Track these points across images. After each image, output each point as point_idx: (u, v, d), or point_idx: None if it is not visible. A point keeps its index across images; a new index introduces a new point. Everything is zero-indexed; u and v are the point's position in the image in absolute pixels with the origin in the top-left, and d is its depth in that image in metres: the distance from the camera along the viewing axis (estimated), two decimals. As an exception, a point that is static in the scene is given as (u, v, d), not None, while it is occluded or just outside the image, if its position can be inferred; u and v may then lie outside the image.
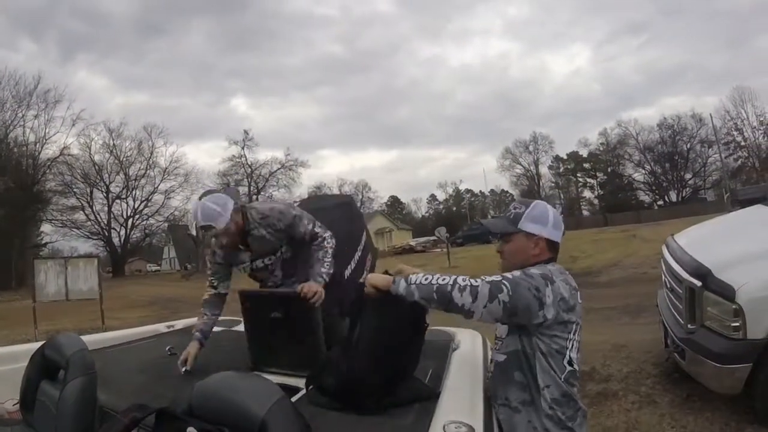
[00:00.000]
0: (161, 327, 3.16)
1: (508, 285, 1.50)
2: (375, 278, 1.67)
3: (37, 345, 1.93)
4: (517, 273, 1.58)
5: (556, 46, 79.63)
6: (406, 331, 1.68)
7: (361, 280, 1.72)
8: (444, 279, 1.54)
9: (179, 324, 3.21)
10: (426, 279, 1.56)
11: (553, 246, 1.72)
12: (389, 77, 71.68)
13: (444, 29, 75.47)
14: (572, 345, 1.59)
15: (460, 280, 1.52)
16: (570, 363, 1.58)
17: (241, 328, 3.06)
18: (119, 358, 2.51)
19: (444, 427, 1.34)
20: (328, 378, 1.72)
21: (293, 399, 1.64)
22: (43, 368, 1.81)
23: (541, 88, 69.63)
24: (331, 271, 2.37)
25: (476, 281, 1.51)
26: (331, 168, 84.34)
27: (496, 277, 1.53)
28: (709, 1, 58.01)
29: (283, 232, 2.43)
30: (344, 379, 1.64)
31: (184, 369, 2.18)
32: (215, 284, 2.52)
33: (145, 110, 61.76)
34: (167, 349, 2.52)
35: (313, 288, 2.17)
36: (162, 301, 16.38)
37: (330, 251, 2.42)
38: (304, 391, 1.79)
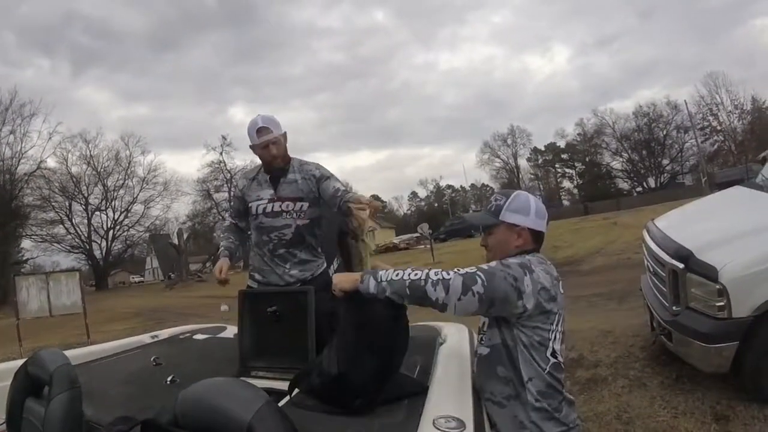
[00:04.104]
0: (145, 338, 3.10)
1: (482, 276, 1.47)
2: (341, 279, 1.64)
3: (21, 362, 1.88)
4: (493, 264, 1.56)
5: (537, 48, 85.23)
6: (385, 325, 1.63)
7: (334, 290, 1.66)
8: (416, 273, 1.51)
9: (164, 334, 3.16)
10: (397, 275, 1.53)
11: (537, 236, 1.70)
12: (384, 82, 77.15)
13: (436, 36, 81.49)
14: (555, 336, 1.56)
15: (432, 273, 1.49)
16: (553, 354, 1.56)
17: (226, 334, 3.04)
18: (104, 371, 2.46)
19: (434, 422, 1.32)
20: (314, 379, 1.70)
21: (280, 403, 1.62)
22: (27, 385, 1.76)
23: (522, 88, 74.85)
24: None
25: (448, 274, 1.49)
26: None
27: (471, 269, 1.51)
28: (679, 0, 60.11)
29: (315, 183, 2.46)
30: (329, 380, 1.62)
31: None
32: (233, 216, 2.67)
33: (144, 122, 64.45)
34: (152, 359, 2.48)
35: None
36: (147, 312, 16.14)
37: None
38: (288, 398, 1.76)
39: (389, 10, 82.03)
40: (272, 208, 2.48)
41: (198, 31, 74.04)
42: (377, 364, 1.61)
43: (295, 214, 2.47)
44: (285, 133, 2.48)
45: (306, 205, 2.48)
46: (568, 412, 1.59)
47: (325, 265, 2.62)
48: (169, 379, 2.12)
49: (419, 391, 1.63)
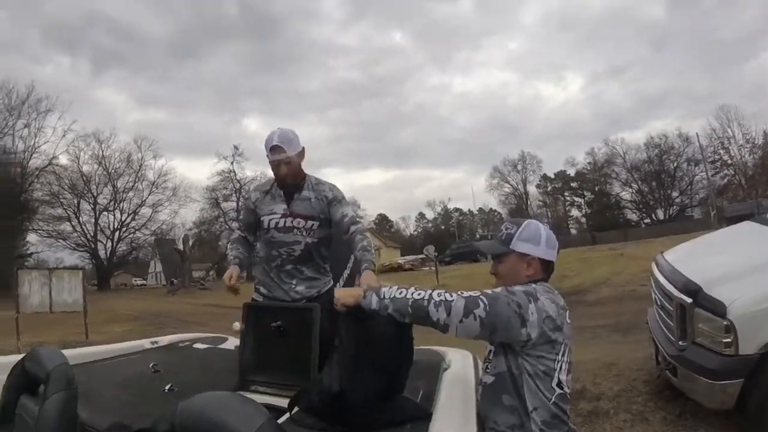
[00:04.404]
0: (145, 343, 3.08)
1: (485, 300, 1.47)
2: (344, 294, 1.64)
3: (18, 357, 1.87)
4: (498, 289, 1.55)
5: (550, 76, 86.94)
6: (388, 343, 1.62)
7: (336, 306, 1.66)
8: (419, 293, 1.51)
9: (164, 340, 3.14)
10: (400, 293, 1.53)
11: (547, 266, 1.70)
12: (398, 102, 77.03)
13: (451, 60, 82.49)
14: (561, 366, 1.54)
15: (435, 294, 1.49)
16: (559, 385, 1.54)
17: (227, 345, 3.02)
18: (102, 373, 2.44)
19: None
20: (314, 397, 1.68)
21: (280, 420, 1.60)
22: (23, 382, 1.75)
23: (535, 114, 74.88)
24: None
25: (451, 296, 1.49)
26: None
27: (474, 293, 1.51)
28: (692, 32, 61.32)
29: (327, 205, 2.47)
30: (329, 397, 1.60)
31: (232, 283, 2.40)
32: (242, 229, 2.65)
33: (159, 127, 65.29)
34: (151, 365, 2.45)
35: (371, 279, 2.08)
36: (147, 316, 16.10)
37: (370, 242, 2.40)
38: (288, 415, 1.74)
39: (407, 33, 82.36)
40: (284, 223, 2.48)
41: (218, 41, 75.15)
42: (379, 382, 1.59)
43: (305, 232, 2.48)
44: (302, 150, 2.47)
45: (317, 224, 2.48)
46: None
47: (331, 283, 2.62)
48: (167, 387, 2.09)
49: (422, 417, 1.61)
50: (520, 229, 1.70)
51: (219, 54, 72.51)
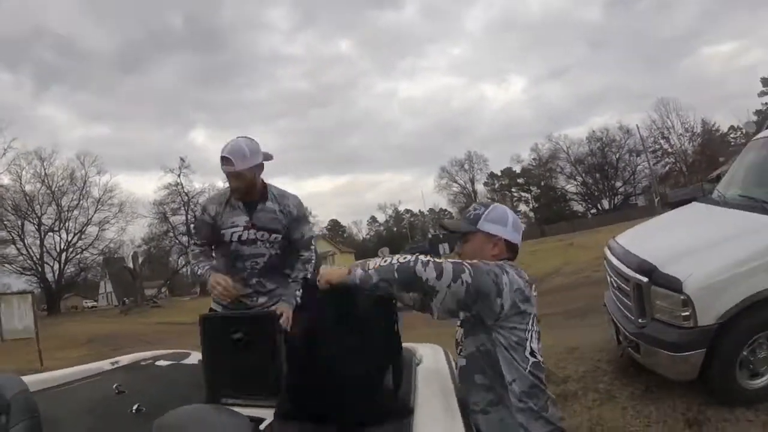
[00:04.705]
0: (105, 364, 2.93)
1: (469, 267, 1.50)
2: (329, 272, 1.62)
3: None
4: (474, 261, 1.58)
5: (493, 78, 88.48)
6: (371, 323, 1.63)
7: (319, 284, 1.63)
8: (405, 258, 1.51)
9: (124, 360, 3.00)
10: (385, 261, 1.52)
11: (511, 248, 1.76)
12: (345, 109, 76.97)
13: (396, 67, 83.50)
14: (531, 336, 1.59)
15: (422, 257, 1.50)
16: (532, 354, 1.58)
17: (190, 360, 2.92)
18: (63, 399, 2.30)
19: None
20: (294, 402, 1.65)
21: (261, 426, 1.57)
22: (-19, 414, 1.64)
23: (479, 116, 76.67)
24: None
25: (439, 259, 1.50)
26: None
27: (456, 260, 1.54)
28: (629, 32, 64.19)
29: (288, 221, 2.41)
30: (311, 393, 1.58)
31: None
32: (200, 245, 2.51)
33: (103, 142, 62.17)
34: (114, 387, 2.34)
35: (288, 312, 2.20)
36: (101, 339, 15.53)
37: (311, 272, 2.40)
38: (268, 421, 1.70)
39: (352, 41, 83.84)
40: (248, 235, 2.39)
41: (163, 53, 74.19)
42: (360, 362, 1.57)
43: (268, 244, 2.41)
44: (258, 164, 2.34)
45: (280, 237, 2.43)
46: (554, 411, 1.61)
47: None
48: (134, 407, 2.00)
49: (404, 413, 1.59)
50: (487, 211, 1.75)
51: (164, 67, 71.47)
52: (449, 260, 1.52)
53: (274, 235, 2.40)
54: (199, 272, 2.48)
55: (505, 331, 1.56)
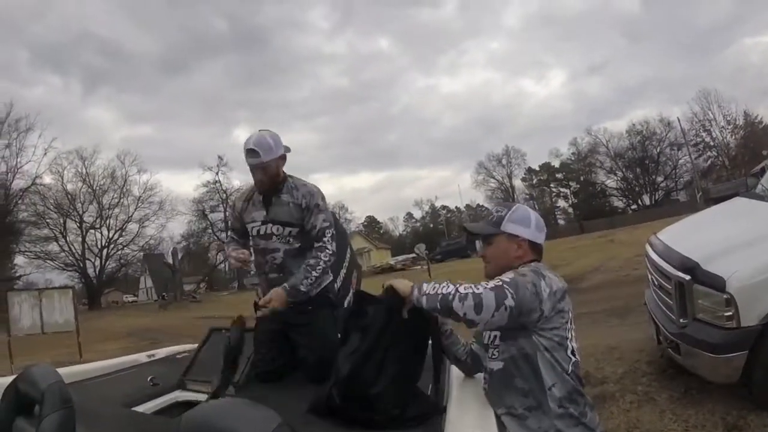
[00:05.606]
0: (142, 357, 3.01)
1: (510, 289, 1.48)
2: (398, 282, 1.67)
3: (10, 379, 1.80)
4: (511, 275, 1.56)
5: (532, 73, 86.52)
6: (415, 338, 1.67)
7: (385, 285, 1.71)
8: (447, 288, 1.51)
9: (161, 353, 3.08)
10: (433, 289, 1.54)
11: (536, 248, 1.73)
12: (385, 105, 77.75)
13: (436, 62, 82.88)
14: (571, 335, 1.59)
15: (461, 288, 1.49)
16: (573, 353, 1.58)
17: None
18: (99, 390, 2.37)
19: None
20: (333, 390, 1.67)
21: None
22: (17, 404, 1.68)
23: (517, 111, 74.81)
24: (312, 288, 2.34)
25: (478, 288, 1.48)
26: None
27: (497, 282, 1.51)
28: (668, 23, 62.60)
29: (301, 212, 2.39)
30: (347, 389, 1.59)
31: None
32: (235, 237, 2.60)
33: (147, 142, 64.86)
34: (149, 379, 2.40)
35: (277, 297, 2.22)
36: (140, 332, 15.97)
37: (323, 265, 2.36)
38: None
39: (392, 38, 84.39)
40: (264, 230, 2.41)
41: (206, 54, 75.49)
42: (399, 375, 1.62)
43: (283, 239, 2.40)
44: (282, 155, 2.38)
45: (296, 230, 2.40)
46: (592, 417, 1.58)
47: (330, 278, 2.54)
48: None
49: (437, 412, 1.59)
50: (510, 212, 1.74)
51: (207, 68, 73.16)
52: (490, 285, 1.50)
53: (288, 229, 2.39)
54: (229, 252, 2.55)
55: (546, 332, 1.55)
